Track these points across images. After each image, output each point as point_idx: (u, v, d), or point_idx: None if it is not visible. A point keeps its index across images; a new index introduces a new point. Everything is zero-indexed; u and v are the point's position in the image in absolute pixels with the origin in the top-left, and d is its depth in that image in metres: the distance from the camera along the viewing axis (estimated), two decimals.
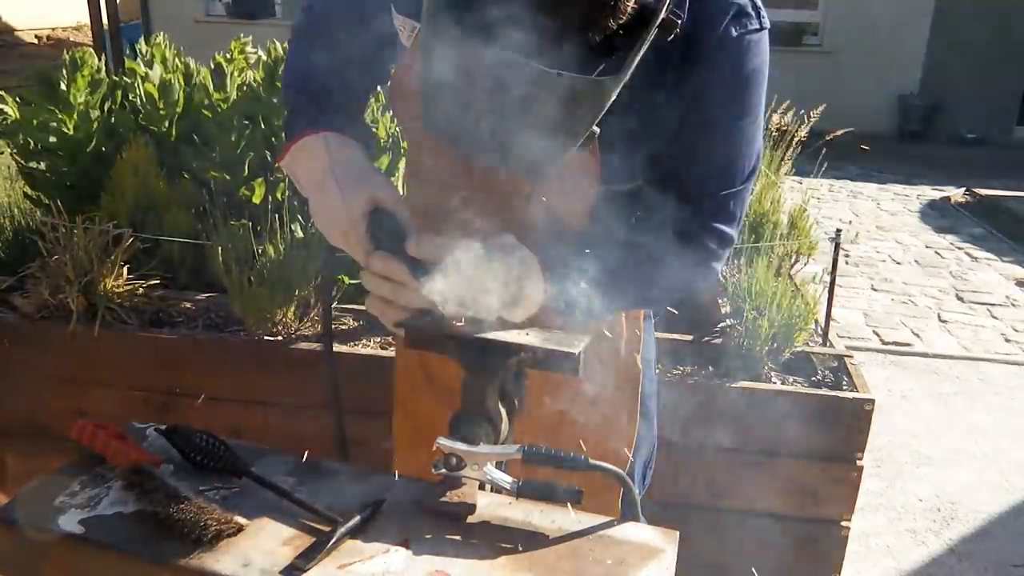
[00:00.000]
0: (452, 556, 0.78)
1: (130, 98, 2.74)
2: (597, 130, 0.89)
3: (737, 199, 1.08)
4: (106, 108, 2.68)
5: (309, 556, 0.76)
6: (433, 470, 0.86)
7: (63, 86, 2.51)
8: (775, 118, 3.36)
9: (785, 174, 3.24)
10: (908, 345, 4.22)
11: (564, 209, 1.08)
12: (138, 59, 2.91)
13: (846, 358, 2.01)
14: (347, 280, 2.31)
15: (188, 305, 2.18)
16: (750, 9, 1.00)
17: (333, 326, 2.07)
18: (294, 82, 1.15)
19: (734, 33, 0.98)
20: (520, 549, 0.80)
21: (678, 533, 0.83)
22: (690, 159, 1.05)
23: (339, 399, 1.22)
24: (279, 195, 2.43)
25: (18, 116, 2.56)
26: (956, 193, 7.56)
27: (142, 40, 3.14)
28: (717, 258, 1.11)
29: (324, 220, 1.00)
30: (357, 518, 0.81)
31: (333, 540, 0.78)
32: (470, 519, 0.84)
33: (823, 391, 1.85)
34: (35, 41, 12.68)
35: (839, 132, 3.36)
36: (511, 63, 0.78)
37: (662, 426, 1.42)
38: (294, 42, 1.20)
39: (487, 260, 0.97)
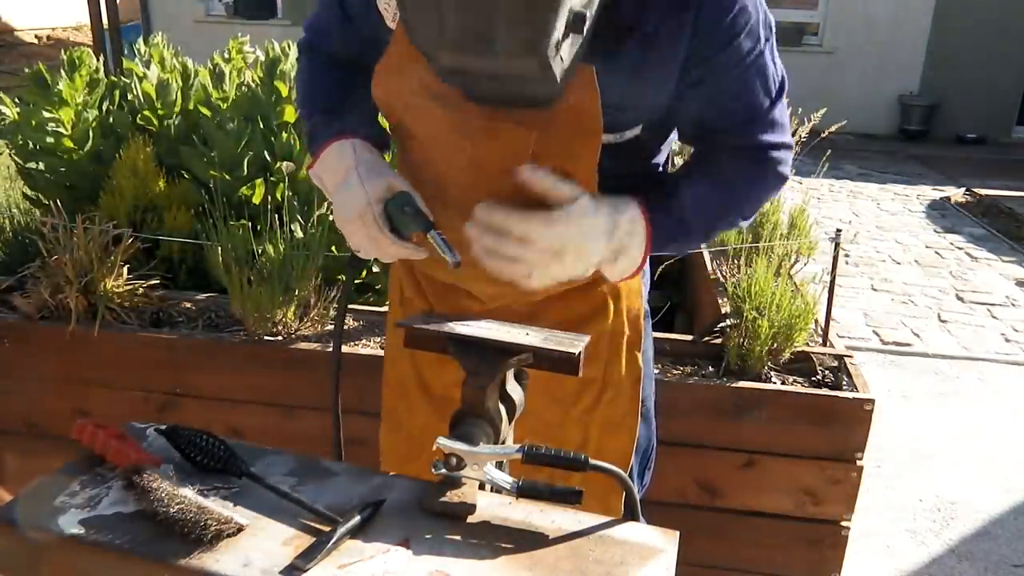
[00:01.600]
0: (452, 556, 0.78)
1: (128, 98, 2.74)
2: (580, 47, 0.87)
3: (776, 111, 1.11)
4: (104, 108, 2.68)
5: (309, 556, 0.76)
6: (433, 470, 0.86)
7: (60, 86, 2.52)
8: None
9: None
10: (908, 345, 4.22)
11: (570, 164, 1.05)
12: (136, 59, 2.91)
13: (846, 358, 2.01)
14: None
15: (188, 305, 2.18)
16: None
17: (332, 326, 2.08)
18: (308, 102, 1.22)
19: None
20: (520, 549, 0.80)
21: (678, 533, 0.83)
22: (720, 100, 1.06)
23: (337, 407, 1.23)
24: (279, 195, 2.44)
25: (16, 116, 2.56)
26: (956, 193, 7.56)
27: (141, 40, 3.15)
28: (782, 163, 1.14)
29: (343, 208, 1.05)
30: (357, 518, 0.81)
31: (333, 540, 0.78)
32: (470, 519, 0.84)
33: (823, 391, 1.85)
34: (35, 41, 12.68)
35: (834, 128, 3.36)
36: None
37: (660, 425, 1.42)
38: (301, 62, 1.27)
39: (602, 213, 1.00)
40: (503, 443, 0.93)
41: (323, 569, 0.75)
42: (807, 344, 2.03)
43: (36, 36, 12.82)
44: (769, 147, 1.12)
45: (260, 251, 2.02)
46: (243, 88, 2.68)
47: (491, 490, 0.90)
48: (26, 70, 2.56)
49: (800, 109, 3.36)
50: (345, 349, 1.96)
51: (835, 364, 2.01)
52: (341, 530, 0.79)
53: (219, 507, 0.80)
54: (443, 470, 0.85)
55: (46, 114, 2.50)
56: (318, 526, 0.81)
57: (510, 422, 0.95)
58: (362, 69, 1.15)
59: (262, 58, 2.59)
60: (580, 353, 0.91)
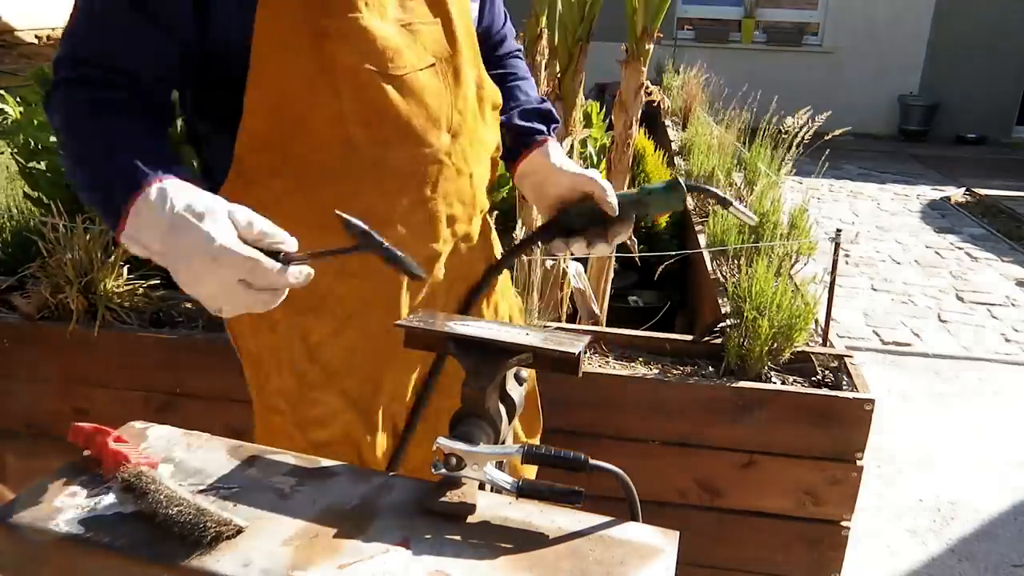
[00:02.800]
0: (452, 556, 0.78)
1: None
2: None
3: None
4: None
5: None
6: (433, 470, 0.86)
7: None
8: (788, 121, 3.36)
9: (785, 174, 3.24)
10: (908, 345, 4.22)
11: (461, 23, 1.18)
12: None
13: (846, 358, 2.01)
14: None
15: (188, 305, 2.18)
16: None
17: None
18: (90, 159, 0.95)
19: None
20: (520, 549, 0.80)
21: (678, 533, 0.83)
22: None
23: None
24: None
25: (18, 116, 2.56)
26: (956, 193, 7.56)
27: None
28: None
29: (187, 254, 0.86)
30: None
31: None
32: (470, 519, 0.84)
33: (823, 391, 1.85)
34: (35, 41, 12.67)
35: (838, 132, 3.36)
36: None
37: (660, 425, 1.43)
38: (76, 105, 0.97)
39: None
40: (503, 443, 0.93)
41: (323, 569, 0.75)
42: (807, 344, 2.03)
43: (36, 36, 12.80)
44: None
45: None
46: None
47: (491, 490, 0.90)
48: (27, 71, 2.56)
49: (800, 109, 3.37)
50: None
51: (835, 364, 2.01)
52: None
53: (218, 508, 0.80)
54: (443, 470, 0.86)
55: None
56: (318, 526, 0.81)
57: (510, 422, 0.95)
58: (147, 102, 1.00)
59: None
60: (580, 353, 0.91)
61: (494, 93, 1.26)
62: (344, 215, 0.86)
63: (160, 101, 1.04)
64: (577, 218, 1.22)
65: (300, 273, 0.89)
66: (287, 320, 1.14)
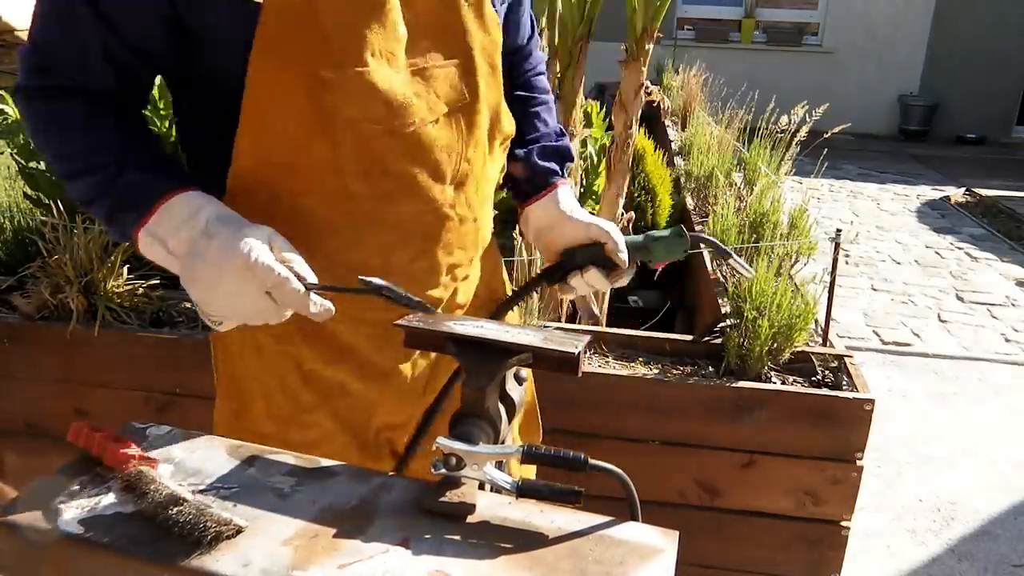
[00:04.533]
0: (452, 556, 0.78)
1: None
2: None
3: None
4: None
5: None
6: (433, 470, 0.86)
7: None
8: (783, 120, 3.36)
9: (785, 174, 3.24)
10: (908, 345, 4.22)
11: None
12: None
13: (846, 358, 2.01)
14: None
15: (188, 305, 2.18)
16: None
17: None
18: (105, 159, 0.93)
19: None
20: (520, 549, 0.80)
21: (678, 533, 0.83)
22: (521, 12, 1.29)
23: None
24: None
25: (18, 116, 2.56)
26: (956, 193, 7.56)
27: None
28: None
29: (219, 258, 0.86)
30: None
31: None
32: (470, 519, 0.84)
33: (823, 391, 1.85)
34: None
35: (836, 129, 3.37)
36: None
37: (660, 424, 1.43)
38: (56, 109, 0.95)
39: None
40: (503, 443, 0.93)
41: (323, 569, 0.75)
42: (807, 344, 2.03)
43: None
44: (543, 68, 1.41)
45: None
46: None
47: (491, 490, 0.90)
48: None
49: (799, 109, 3.37)
50: None
51: (835, 364, 2.01)
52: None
53: (219, 508, 0.80)
54: (443, 470, 0.86)
55: None
56: (318, 526, 0.81)
57: (510, 422, 0.95)
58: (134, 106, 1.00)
59: None
60: (580, 353, 0.90)
61: (508, 126, 1.20)
62: (364, 278, 0.91)
63: (141, 105, 1.02)
64: (580, 259, 1.24)
65: (321, 305, 0.90)
66: (278, 348, 1.11)
